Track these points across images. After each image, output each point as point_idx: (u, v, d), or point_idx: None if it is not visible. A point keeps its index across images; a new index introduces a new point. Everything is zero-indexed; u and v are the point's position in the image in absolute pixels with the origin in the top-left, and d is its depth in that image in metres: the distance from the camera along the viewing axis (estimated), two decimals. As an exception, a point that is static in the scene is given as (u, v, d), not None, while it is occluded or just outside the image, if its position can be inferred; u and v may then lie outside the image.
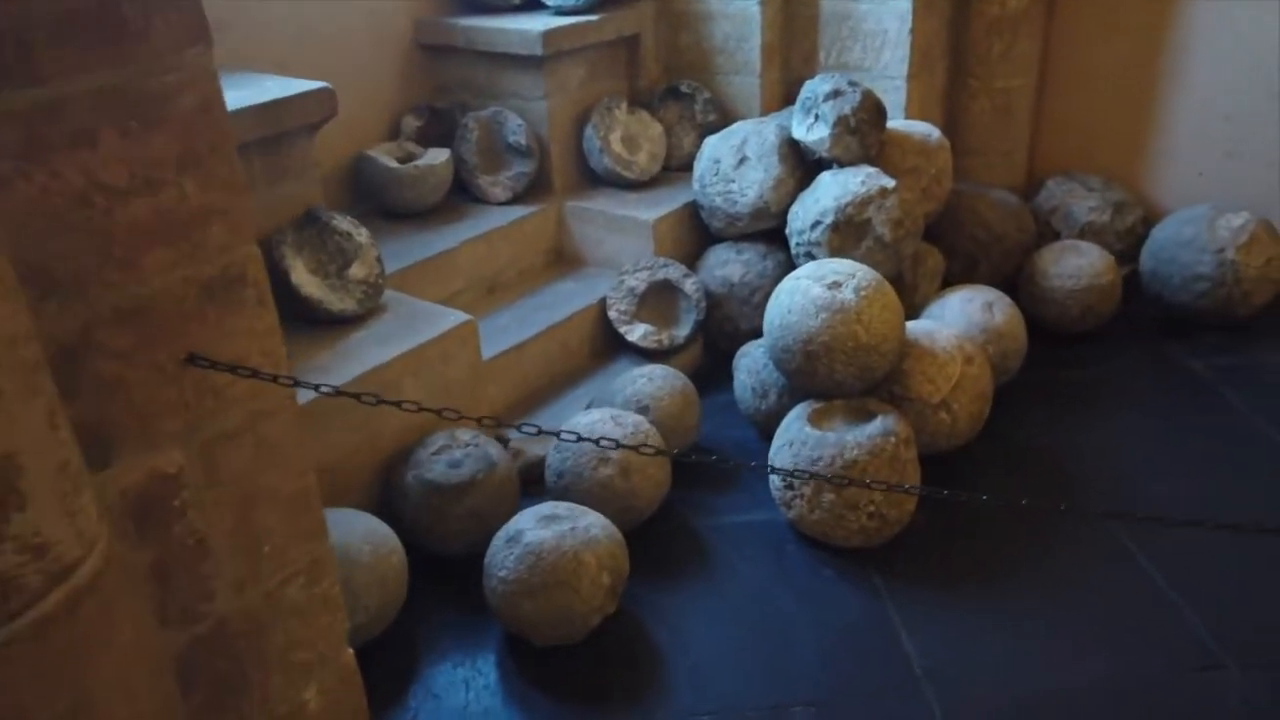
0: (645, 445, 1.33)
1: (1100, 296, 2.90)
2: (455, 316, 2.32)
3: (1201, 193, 3.18)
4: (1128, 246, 3.18)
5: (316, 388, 1.34)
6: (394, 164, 2.81)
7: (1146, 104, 3.27)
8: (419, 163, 2.84)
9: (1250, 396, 2.63)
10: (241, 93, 2.23)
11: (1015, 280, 3.06)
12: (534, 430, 1.39)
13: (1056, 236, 3.21)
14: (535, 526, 1.87)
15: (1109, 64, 3.28)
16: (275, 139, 2.25)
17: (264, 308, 1.36)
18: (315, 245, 2.31)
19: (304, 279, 2.23)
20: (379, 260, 2.35)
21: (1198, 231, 2.90)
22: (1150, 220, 3.18)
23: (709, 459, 1.39)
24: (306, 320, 2.26)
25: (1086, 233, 3.17)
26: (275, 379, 1.28)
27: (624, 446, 1.32)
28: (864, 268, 2.30)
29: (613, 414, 2.22)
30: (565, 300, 2.86)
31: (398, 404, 1.33)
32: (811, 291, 2.23)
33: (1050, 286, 2.93)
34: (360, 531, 1.87)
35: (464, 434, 2.16)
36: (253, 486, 1.41)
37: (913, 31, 2.98)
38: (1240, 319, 2.90)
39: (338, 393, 1.33)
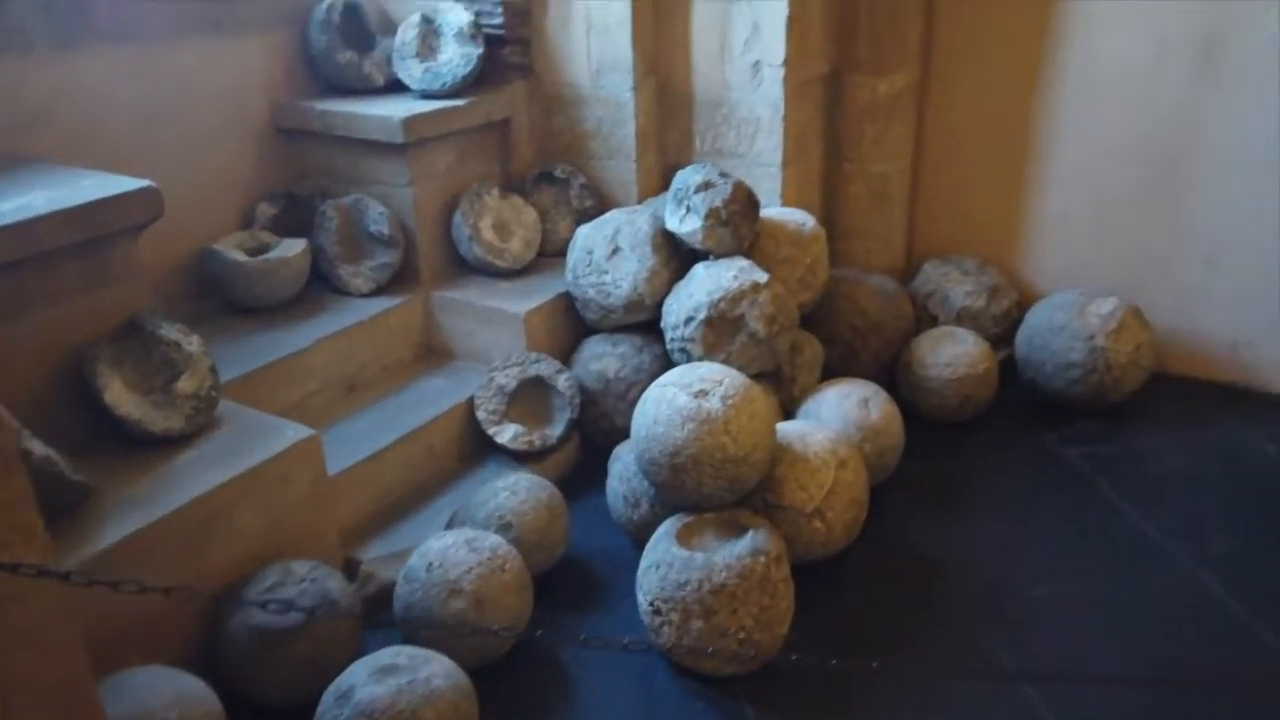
0: (462, 625, 1.17)
1: (978, 385, 2.89)
2: (297, 431, 2.13)
3: (1072, 276, 3.22)
4: (1004, 330, 3.20)
5: (66, 576, 1.15)
6: (242, 258, 2.63)
7: (1017, 188, 3.32)
8: (270, 255, 2.66)
9: (1124, 487, 2.63)
10: (54, 193, 2.03)
11: (894, 367, 3.03)
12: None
13: (934, 321, 3.20)
14: (369, 681, 1.68)
15: (980, 149, 3.33)
16: (92, 243, 2.05)
17: (11, 475, 1.18)
18: (138, 357, 2.11)
19: (120, 397, 2.02)
20: (212, 371, 2.16)
21: (1069, 318, 2.93)
22: (1025, 304, 3.20)
23: (534, 634, 1.24)
24: (126, 442, 2.05)
25: (963, 317, 3.18)
26: (14, 569, 1.09)
27: (431, 631, 1.17)
28: (732, 373, 2.22)
29: (468, 537, 2.05)
30: (432, 399, 2.70)
31: (113, 584, 1.15)
32: (678, 401, 2.13)
33: (928, 375, 2.90)
34: (168, 695, 1.65)
35: (301, 566, 1.96)
36: (3, 680, 1.21)
37: (785, 119, 2.97)
38: (1112, 405, 2.93)
39: (66, 578, 1.15)
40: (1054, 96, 3.16)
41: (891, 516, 2.53)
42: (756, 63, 2.94)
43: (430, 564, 1.99)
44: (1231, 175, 2.94)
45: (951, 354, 2.90)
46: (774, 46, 2.88)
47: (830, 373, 2.91)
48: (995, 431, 2.93)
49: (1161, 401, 3.01)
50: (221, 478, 1.98)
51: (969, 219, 3.43)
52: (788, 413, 2.75)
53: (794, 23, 2.84)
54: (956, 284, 3.23)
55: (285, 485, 2.09)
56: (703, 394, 2.13)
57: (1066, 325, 2.92)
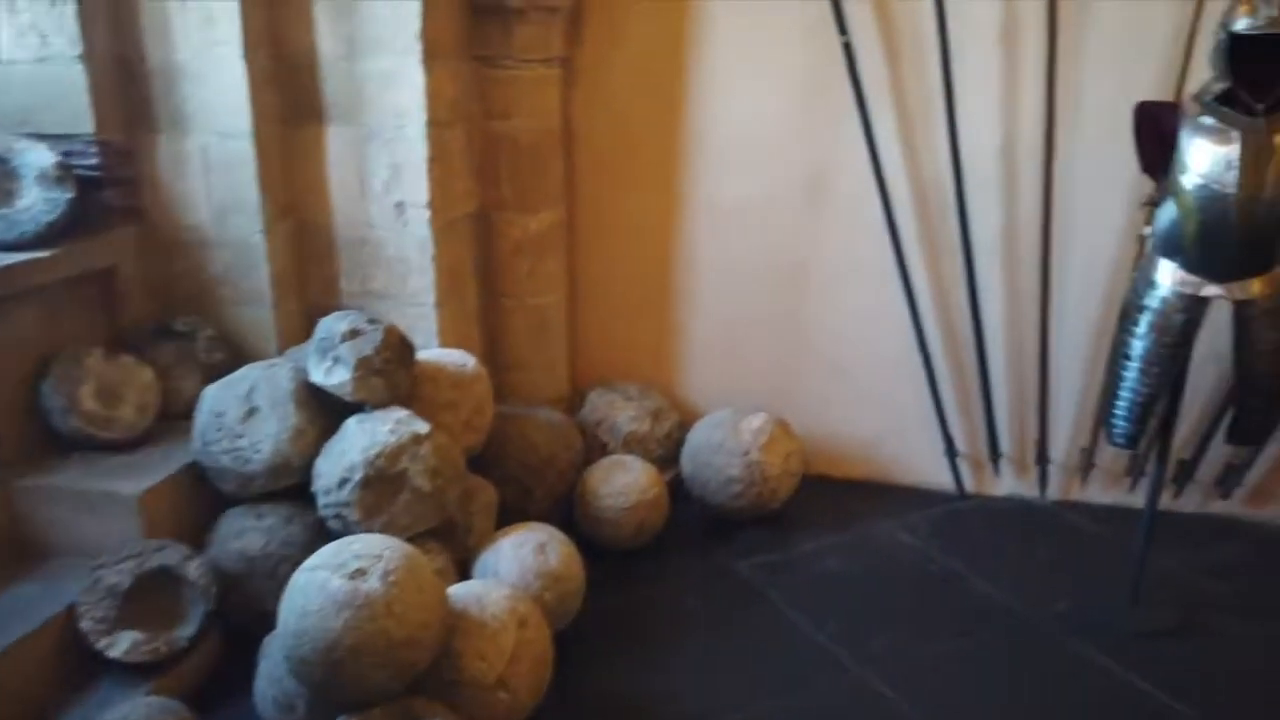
0: None
1: (650, 511, 2.92)
2: None
3: (725, 393, 3.40)
4: (668, 451, 3.29)
5: None
6: None
7: (663, 313, 3.48)
8: None
9: (789, 595, 2.75)
10: None
11: (571, 500, 2.98)
12: None
13: (604, 448, 3.22)
14: None
15: (628, 278, 3.47)
16: None
17: None
18: None
19: None
20: None
21: (725, 435, 3.07)
22: (686, 424, 3.33)
23: None
24: None
25: (630, 442, 3.23)
26: None
27: None
28: (392, 543, 2.01)
29: (59, 804, 1.62)
30: (16, 614, 2.17)
31: None
32: (330, 585, 1.87)
33: (602, 506, 2.89)
34: None
35: None
36: None
37: (436, 258, 2.88)
38: (773, 513, 3.09)
39: None
40: (688, 228, 3.38)
41: (581, 665, 2.42)
42: (400, 203, 2.83)
43: None
44: (847, 289, 3.29)
45: (622, 483, 2.91)
46: (416, 187, 2.80)
47: (506, 513, 2.79)
48: (672, 554, 2.96)
49: (814, 504, 3.22)
50: None
51: (626, 345, 3.54)
52: (464, 566, 2.57)
53: (434, 164, 2.79)
54: (621, 410, 3.29)
55: None
56: (360, 574, 1.90)
57: (724, 443, 3.06)
